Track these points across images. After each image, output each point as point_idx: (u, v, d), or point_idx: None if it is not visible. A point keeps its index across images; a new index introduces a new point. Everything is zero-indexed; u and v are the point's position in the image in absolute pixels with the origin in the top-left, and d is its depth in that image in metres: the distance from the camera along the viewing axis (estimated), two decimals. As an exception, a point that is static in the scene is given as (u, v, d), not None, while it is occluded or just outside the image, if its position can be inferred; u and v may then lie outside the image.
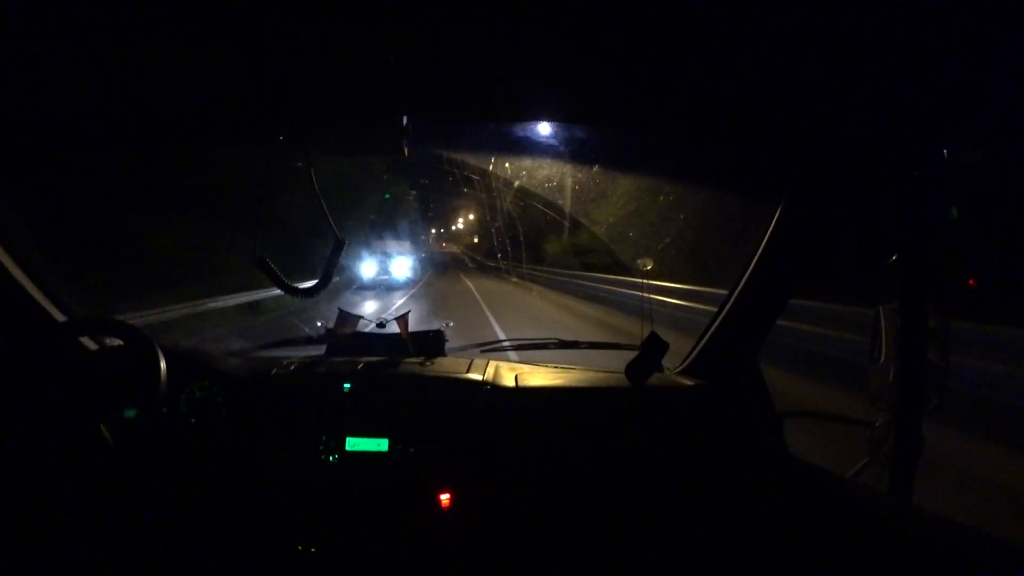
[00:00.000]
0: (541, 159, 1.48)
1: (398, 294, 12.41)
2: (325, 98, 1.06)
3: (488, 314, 8.87)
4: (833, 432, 1.36)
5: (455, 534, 1.26)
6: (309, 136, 1.18)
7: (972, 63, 0.73)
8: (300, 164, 1.20)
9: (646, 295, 1.65)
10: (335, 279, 1.30)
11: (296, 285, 1.24)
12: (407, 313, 1.57)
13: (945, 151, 0.95)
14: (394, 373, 1.41)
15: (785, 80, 0.86)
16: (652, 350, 1.42)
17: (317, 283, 1.24)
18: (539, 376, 1.51)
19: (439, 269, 25.56)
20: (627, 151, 1.41)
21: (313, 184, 1.21)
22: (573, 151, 1.44)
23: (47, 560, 1.17)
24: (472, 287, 15.53)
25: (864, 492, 1.08)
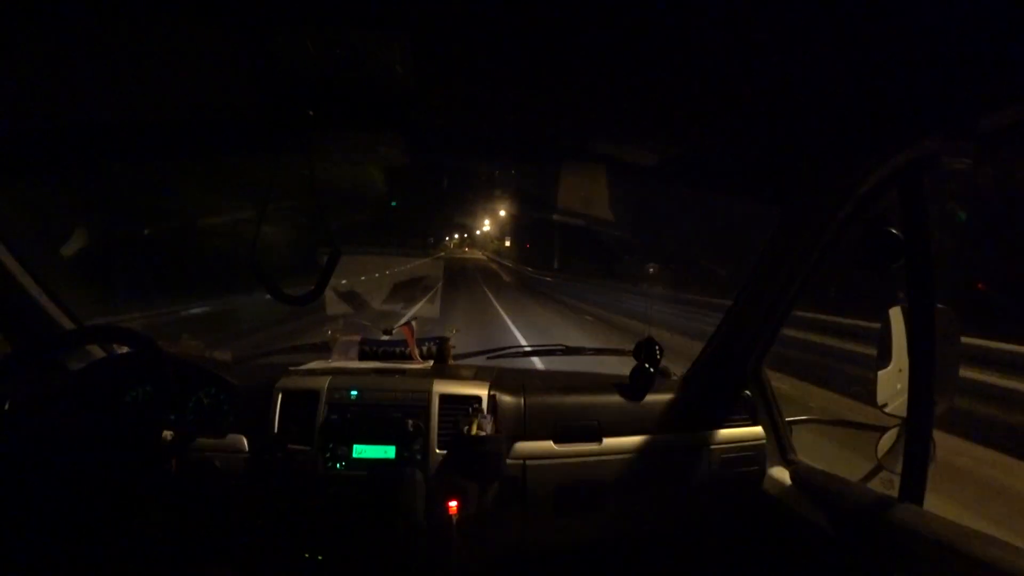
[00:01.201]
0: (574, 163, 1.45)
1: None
2: (331, 105, 1.06)
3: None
4: (842, 438, 1.35)
5: (463, 541, 1.25)
6: (313, 143, 1.19)
7: (976, 62, 0.73)
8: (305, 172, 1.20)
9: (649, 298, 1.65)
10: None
11: (289, 293, 1.24)
12: (413, 320, 1.58)
13: (951, 152, 0.95)
14: (401, 380, 1.41)
15: (787, 83, 0.86)
16: (645, 354, 1.42)
17: (311, 291, 1.24)
18: (545, 382, 1.50)
19: (455, 287, 14.69)
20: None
21: (313, 190, 1.21)
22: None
23: (54, 561, 1.17)
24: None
25: (875, 497, 1.07)
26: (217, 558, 1.25)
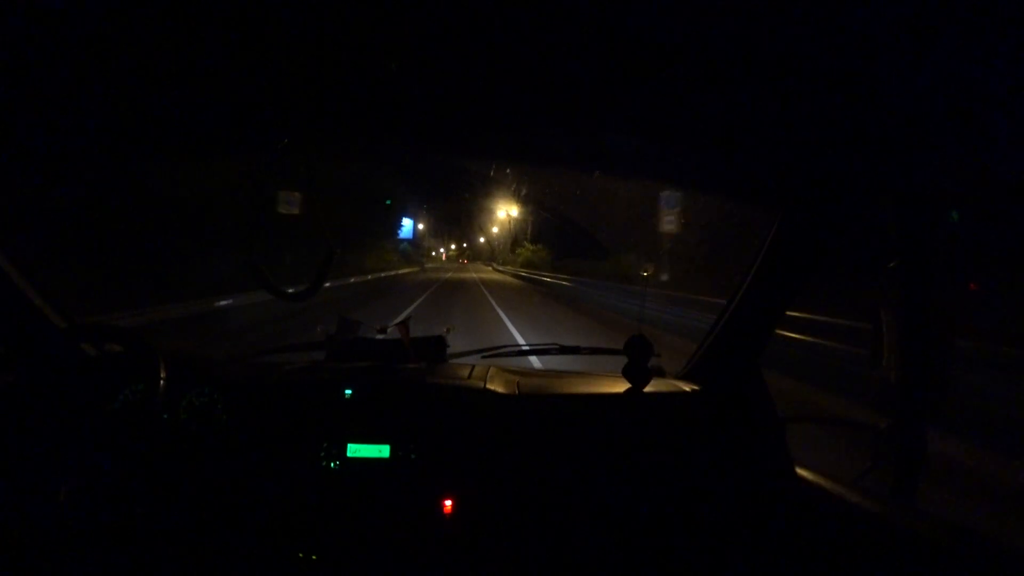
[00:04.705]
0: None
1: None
2: (327, 103, 1.06)
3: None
4: (836, 437, 1.36)
5: (457, 540, 1.25)
6: (310, 141, 1.18)
7: (970, 63, 0.73)
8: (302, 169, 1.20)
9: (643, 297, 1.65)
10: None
11: (287, 290, 1.24)
12: (408, 319, 1.57)
13: (944, 153, 0.95)
14: (395, 379, 1.41)
15: (782, 87, 0.86)
16: (637, 351, 1.43)
17: (307, 288, 1.24)
18: (540, 381, 1.50)
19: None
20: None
21: (313, 189, 1.21)
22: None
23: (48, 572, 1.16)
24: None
25: (868, 496, 1.08)
26: (210, 558, 1.25)
